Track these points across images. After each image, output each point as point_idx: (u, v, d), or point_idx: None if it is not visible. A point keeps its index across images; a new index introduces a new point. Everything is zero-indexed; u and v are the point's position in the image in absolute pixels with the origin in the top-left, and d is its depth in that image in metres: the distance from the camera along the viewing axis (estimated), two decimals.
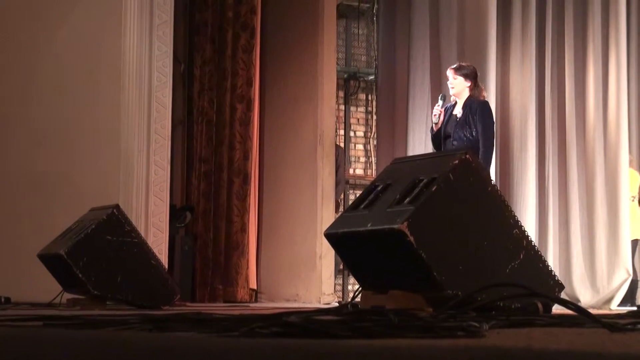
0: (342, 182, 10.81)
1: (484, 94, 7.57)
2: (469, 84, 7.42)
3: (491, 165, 7.78)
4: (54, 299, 6.55)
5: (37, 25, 8.80)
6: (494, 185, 4.13)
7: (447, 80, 7.55)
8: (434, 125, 7.45)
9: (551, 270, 4.09)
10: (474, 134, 7.29)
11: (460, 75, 7.44)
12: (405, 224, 3.76)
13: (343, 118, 13.29)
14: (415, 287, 3.90)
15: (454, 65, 7.58)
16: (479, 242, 3.92)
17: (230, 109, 9.79)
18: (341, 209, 10.43)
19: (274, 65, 10.21)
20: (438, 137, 7.44)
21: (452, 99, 7.53)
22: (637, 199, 9.74)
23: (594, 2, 9.55)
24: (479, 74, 7.64)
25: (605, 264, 9.25)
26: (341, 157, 10.36)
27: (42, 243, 6.81)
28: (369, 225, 3.99)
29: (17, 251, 8.15)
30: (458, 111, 7.39)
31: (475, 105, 7.35)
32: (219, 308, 7.20)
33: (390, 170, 4.44)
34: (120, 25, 8.56)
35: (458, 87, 7.43)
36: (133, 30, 8.54)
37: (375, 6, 11.93)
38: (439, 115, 7.40)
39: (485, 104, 7.48)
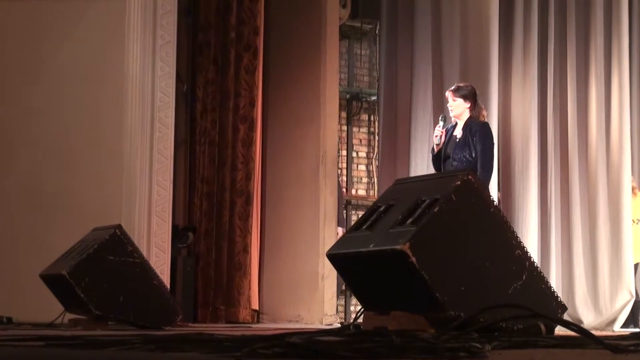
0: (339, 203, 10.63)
1: (484, 113, 7.55)
2: (468, 104, 7.40)
3: (490, 186, 7.76)
4: (56, 319, 6.54)
5: (39, 45, 8.82)
6: (497, 206, 4.13)
7: (447, 102, 7.53)
8: (435, 146, 7.42)
9: (554, 292, 4.08)
10: (474, 154, 7.26)
11: (459, 96, 7.41)
12: (408, 244, 3.76)
13: (345, 139, 13.31)
14: (418, 308, 3.90)
15: (452, 87, 7.56)
16: (481, 263, 3.92)
17: (232, 129, 9.79)
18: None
19: (277, 85, 10.22)
20: (438, 158, 7.42)
21: (452, 120, 7.51)
22: None
23: (596, 22, 9.56)
24: (478, 93, 7.61)
25: (608, 285, 9.24)
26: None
27: (44, 263, 6.81)
28: (371, 246, 3.99)
29: (19, 271, 8.14)
30: (458, 132, 7.38)
31: (475, 126, 7.34)
32: (220, 329, 7.19)
33: (393, 190, 4.44)
34: (123, 46, 8.58)
35: (458, 109, 7.41)
36: (136, 50, 8.56)
37: (378, 27, 11.96)
38: (441, 136, 7.38)
39: (485, 125, 7.46)
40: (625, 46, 9.55)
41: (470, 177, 4.01)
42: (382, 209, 4.24)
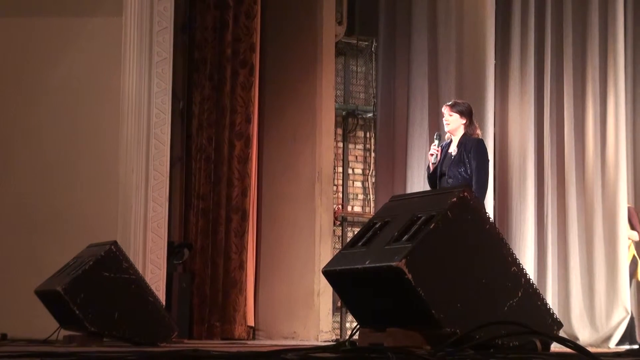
0: None
1: (478, 131, 7.53)
2: (464, 121, 7.38)
3: (485, 202, 7.74)
4: (51, 335, 6.53)
5: (36, 62, 8.83)
6: (492, 223, 4.12)
7: (443, 117, 7.51)
8: (431, 164, 7.38)
9: (550, 308, 4.08)
10: (469, 171, 7.24)
11: (455, 112, 7.39)
12: (404, 261, 3.76)
13: (341, 155, 13.30)
14: (414, 324, 3.89)
15: (449, 102, 7.54)
16: (477, 279, 3.91)
17: (228, 146, 9.79)
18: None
19: (273, 102, 10.23)
20: (434, 177, 7.40)
21: (447, 136, 7.49)
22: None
23: (593, 41, 9.59)
24: (473, 111, 7.60)
25: (604, 302, 9.24)
26: None
27: (39, 279, 6.80)
28: (367, 262, 3.98)
29: (14, 287, 8.13)
30: (453, 149, 7.36)
31: (470, 143, 7.32)
32: (216, 345, 7.18)
33: (389, 207, 4.44)
34: (119, 63, 8.60)
35: (454, 124, 7.38)
36: (132, 67, 8.57)
37: (374, 44, 11.98)
38: (437, 154, 7.35)
39: (480, 142, 7.44)
40: (621, 65, 9.57)
41: (466, 193, 4.01)
42: (378, 225, 4.24)
